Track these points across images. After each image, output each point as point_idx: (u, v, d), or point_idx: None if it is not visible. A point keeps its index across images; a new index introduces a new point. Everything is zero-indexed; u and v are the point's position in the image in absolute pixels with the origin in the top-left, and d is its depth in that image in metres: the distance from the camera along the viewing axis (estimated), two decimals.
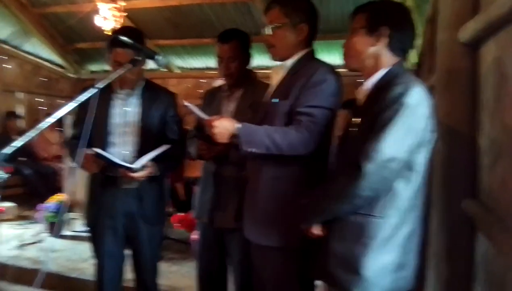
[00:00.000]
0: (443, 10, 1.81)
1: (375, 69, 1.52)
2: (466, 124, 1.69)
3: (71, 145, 2.30)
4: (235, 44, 2.18)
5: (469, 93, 1.69)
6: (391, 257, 1.40)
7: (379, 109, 1.38)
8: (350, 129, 1.57)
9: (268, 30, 1.83)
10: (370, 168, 1.32)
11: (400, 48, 1.52)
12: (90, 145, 2.06)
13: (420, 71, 3.72)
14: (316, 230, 1.53)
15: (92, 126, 1.77)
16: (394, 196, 1.40)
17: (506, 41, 1.36)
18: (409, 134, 1.35)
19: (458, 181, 1.69)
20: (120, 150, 2.19)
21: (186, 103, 1.83)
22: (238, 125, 1.70)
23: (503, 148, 1.34)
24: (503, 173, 1.33)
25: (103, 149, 2.12)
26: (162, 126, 2.28)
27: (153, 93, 2.28)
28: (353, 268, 1.40)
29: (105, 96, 2.14)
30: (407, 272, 1.46)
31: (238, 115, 2.10)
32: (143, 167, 2.10)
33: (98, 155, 2.03)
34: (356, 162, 1.35)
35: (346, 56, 1.59)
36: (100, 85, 1.58)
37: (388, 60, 1.50)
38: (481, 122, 1.60)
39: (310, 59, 1.84)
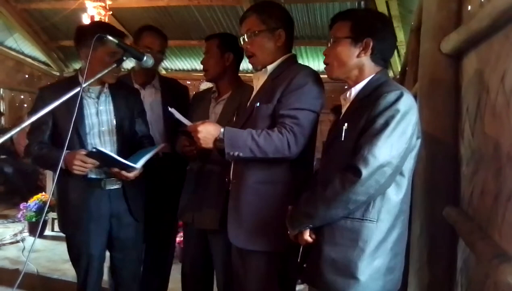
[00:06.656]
0: (427, 21, 1.84)
1: (359, 78, 1.56)
2: (448, 134, 1.73)
3: (40, 152, 2.08)
4: (214, 41, 2.23)
5: (451, 103, 1.73)
6: (383, 260, 1.44)
7: (373, 115, 1.41)
8: (335, 135, 1.57)
9: (244, 39, 1.86)
10: (367, 172, 1.35)
11: (382, 58, 1.57)
12: (63, 148, 1.94)
13: (404, 80, 3.77)
14: (307, 236, 1.53)
15: (64, 128, 1.67)
16: (386, 201, 1.44)
17: (486, 54, 1.40)
18: (401, 140, 1.39)
19: (440, 189, 1.72)
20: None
21: (170, 109, 1.83)
22: (222, 129, 1.70)
23: (483, 158, 1.38)
24: (483, 183, 1.37)
25: None
26: (134, 123, 2.28)
27: (121, 90, 2.24)
28: (350, 272, 1.42)
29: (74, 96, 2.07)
30: (395, 275, 1.50)
31: (223, 117, 2.11)
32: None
33: (97, 153, 1.94)
34: (350, 166, 1.38)
35: (329, 65, 1.61)
36: (84, 84, 1.54)
37: (371, 70, 1.55)
38: (463, 132, 1.64)
39: (291, 63, 1.85)
